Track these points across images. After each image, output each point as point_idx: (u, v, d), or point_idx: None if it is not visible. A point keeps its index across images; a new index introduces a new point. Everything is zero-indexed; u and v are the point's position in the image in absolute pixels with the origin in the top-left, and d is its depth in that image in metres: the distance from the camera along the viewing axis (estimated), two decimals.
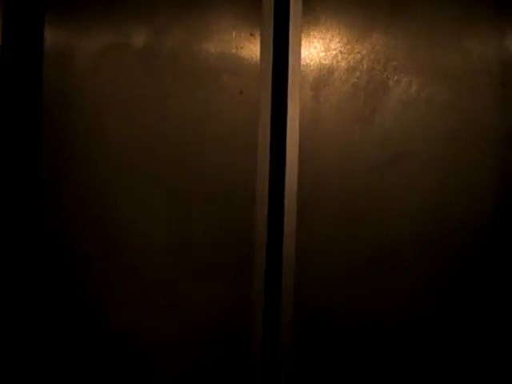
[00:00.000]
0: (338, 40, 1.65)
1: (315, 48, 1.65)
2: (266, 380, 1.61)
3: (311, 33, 1.64)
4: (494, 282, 1.62)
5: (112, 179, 1.67)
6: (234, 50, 1.64)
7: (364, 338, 1.63)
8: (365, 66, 1.65)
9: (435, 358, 1.62)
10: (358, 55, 1.65)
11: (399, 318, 1.63)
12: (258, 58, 1.63)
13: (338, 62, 1.65)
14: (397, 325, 1.63)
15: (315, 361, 1.63)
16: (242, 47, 1.64)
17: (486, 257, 1.63)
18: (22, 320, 1.64)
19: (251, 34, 1.64)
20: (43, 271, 1.66)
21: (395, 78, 1.65)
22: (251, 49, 1.64)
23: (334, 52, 1.65)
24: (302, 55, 1.63)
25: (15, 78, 1.62)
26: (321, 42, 1.65)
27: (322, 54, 1.65)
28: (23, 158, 1.66)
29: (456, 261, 1.63)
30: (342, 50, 1.65)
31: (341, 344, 1.63)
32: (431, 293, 1.63)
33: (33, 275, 1.65)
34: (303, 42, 1.63)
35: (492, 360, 1.62)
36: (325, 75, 1.65)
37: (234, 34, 1.64)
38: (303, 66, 1.63)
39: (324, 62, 1.65)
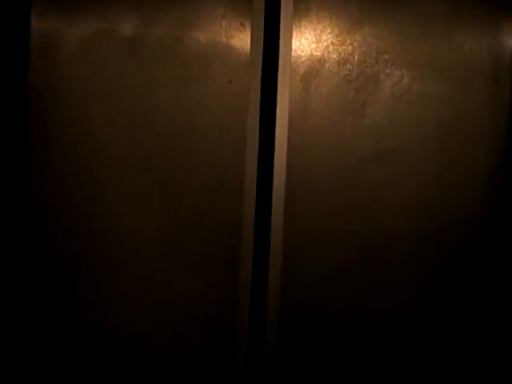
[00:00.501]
0: (329, 31, 1.63)
1: (306, 39, 1.63)
2: (252, 375, 1.58)
3: (302, 23, 1.63)
4: (487, 275, 1.61)
5: (100, 171, 1.63)
6: (223, 40, 1.62)
7: (355, 333, 1.61)
8: (356, 58, 1.64)
9: (429, 352, 1.61)
10: (350, 47, 1.64)
11: (392, 313, 1.61)
12: (248, 48, 1.60)
13: (329, 53, 1.63)
14: (389, 319, 1.61)
15: (303, 356, 1.61)
16: (232, 37, 1.62)
17: (480, 250, 1.62)
18: (8, 318, 1.61)
19: (241, 24, 1.61)
20: (30, 267, 1.62)
21: (386, 70, 1.64)
22: (241, 39, 1.61)
23: (326, 43, 1.63)
24: (293, 46, 1.61)
25: (0, 66, 1.59)
26: (312, 33, 1.63)
27: (313, 46, 1.63)
28: (8, 149, 1.62)
29: (449, 254, 1.61)
30: (334, 41, 1.63)
31: (331, 339, 1.61)
32: (424, 287, 1.61)
33: (19, 271, 1.61)
34: (294, 33, 1.61)
35: (486, 354, 1.60)
36: (316, 67, 1.63)
37: (224, 23, 1.62)
38: (294, 57, 1.61)
39: (315, 54, 1.63)
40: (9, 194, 1.62)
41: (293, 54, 1.61)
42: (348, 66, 1.63)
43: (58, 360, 1.62)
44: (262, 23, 1.60)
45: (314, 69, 1.63)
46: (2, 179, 1.61)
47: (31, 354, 1.61)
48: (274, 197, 1.59)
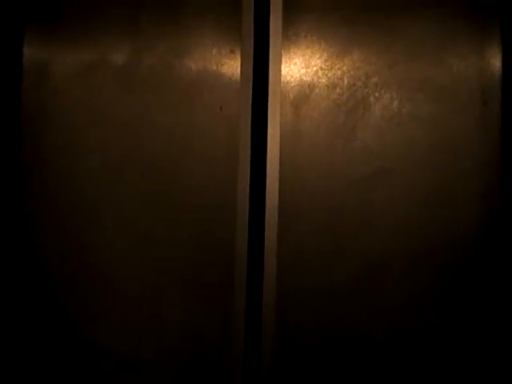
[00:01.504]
0: (318, 56, 1.65)
1: (295, 64, 1.65)
2: None
3: (291, 49, 1.65)
4: (480, 294, 1.61)
5: (93, 192, 1.67)
6: (214, 67, 1.64)
7: (349, 353, 1.61)
8: (345, 82, 1.65)
9: (423, 371, 1.61)
10: (339, 71, 1.65)
11: (385, 332, 1.61)
12: (239, 74, 1.63)
13: (318, 78, 1.65)
14: (383, 338, 1.61)
15: (299, 375, 1.61)
16: (222, 64, 1.64)
17: (472, 270, 1.62)
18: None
19: (231, 51, 1.64)
20: (23, 285, 1.64)
21: (376, 94, 1.65)
22: (231, 65, 1.64)
23: (315, 68, 1.65)
24: (283, 72, 1.63)
25: None
26: (301, 58, 1.65)
27: (303, 71, 1.65)
28: (2, 174, 1.65)
29: (442, 274, 1.61)
30: (323, 66, 1.65)
31: (326, 357, 1.61)
32: (417, 306, 1.61)
33: (12, 290, 1.63)
34: (283, 59, 1.63)
35: (481, 372, 1.60)
36: (305, 91, 1.65)
37: (214, 51, 1.64)
38: (283, 82, 1.63)
39: (304, 79, 1.65)
40: (2, 216, 1.64)
41: (282, 79, 1.63)
42: (337, 90, 1.65)
43: (49, 377, 1.63)
44: (251, 50, 1.62)
45: (304, 93, 1.65)
46: None
47: (23, 369, 1.63)
48: (266, 218, 1.61)
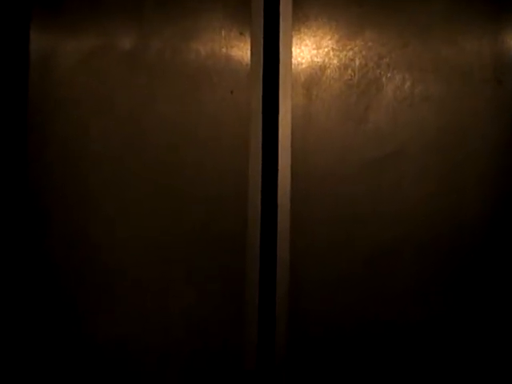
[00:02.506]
0: (329, 37, 1.62)
1: (306, 46, 1.62)
2: None
3: (302, 30, 1.62)
4: (491, 281, 1.61)
5: (101, 182, 1.64)
6: (223, 50, 1.61)
7: (361, 341, 1.61)
8: (357, 63, 1.62)
9: (432, 359, 1.61)
10: (350, 52, 1.62)
11: (396, 319, 1.61)
12: (249, 57, 1.60)
13: (329, 59, 1.62)
14: (394, 326, 1.61)
15: (311, 365, 1.61)
16: (231, 47, 1.61)
17: (484, 255, 1.61)
18: (6, 326, 1.62)
19: (241, 34, 1.60)
20: (30, 277, 1.63)
21: (388, 74, 1.63)
22: (241, 48, 1.61)
23: (326, 49, 1.62)
24: (293, 53, 1.60)
25: (1, 80, 1.59)
26: (312, 39, 1.62)
27: (314, 52, 1.62)
28: (9, 161, 1.63)
29: (453, 260, 1.61)
30: (334, 47, 1.62)
31: (339, 347, 1.61)
32: (425, 294, 1.61)
33: (19, 282, 1.63)
34: (294, 40, 1.60)
35: (489, 359, 1.61)
36: (317, 73, 1.62)
37: (223, 33, 1.61)
38: (294, 64, 1.61)
39: (316, 60, 1.62)
40: (9, 207, 1.63)
41: (293, 61, 1.60)
42: (349, 71, 1.62)
43: (56, 369, 1.63)
44: (261, 32, 1.59)
45: (315, 75, 1.62)
46: (3, 191, 1.62)
47: (28, 361, 1.63)
48: (279, 205, 1.59)
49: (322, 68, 1.62)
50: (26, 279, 1.62)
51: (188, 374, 1.62)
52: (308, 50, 1.62)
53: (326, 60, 1.62)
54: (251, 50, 1.59)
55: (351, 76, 1.63)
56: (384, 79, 1.63)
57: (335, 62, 1.62)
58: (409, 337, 1.61)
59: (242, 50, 1.61)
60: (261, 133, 1.59)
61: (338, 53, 1.62)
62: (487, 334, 1.60)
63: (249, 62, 1.60)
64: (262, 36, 1.59)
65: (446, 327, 1.61)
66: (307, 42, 1.62)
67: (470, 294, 1.61)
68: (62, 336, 1.62)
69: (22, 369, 1.62)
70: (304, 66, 1.62)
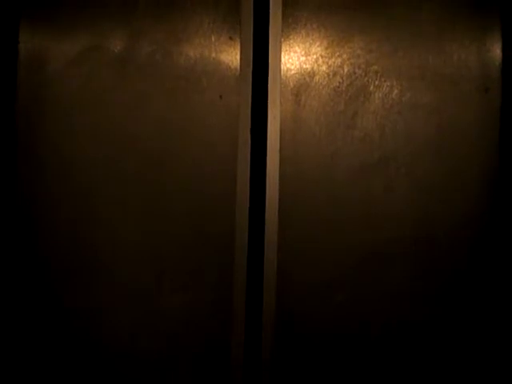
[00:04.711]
0: (318, 44, 1.64)
1: (295, 52, 1.63)
2: None
3: (291, 37, 1.63)
4: (485, 282, 1.61)
5: (90, 182, 1.63)
6: (213, 54, 1.62)
7: (350, 342, 1.60)
8: (345, 70, 1.64)
9: (427, 362, 1.60)
10: (339, 59, 1.64)
11: (387, 322, 1.60)
12: (238, 62, 1.60)
13: (318, 66, 1.63)
14: (386, 329, 1.60)
15: (300, 369, 1.59)
16: (221, 51, 1.62)
17: (474, 257, 1.61)
18: None
19: (230, 38, 1.62)
20: (18, 272, 1.61)
21: (376, 82, 1.64)
22: (231, 53, 1.61)
23: (315, 56, 1.64)
24: (282, 60, 1.61)
25: None
26: (301, 45, 1.63)
27: (303, 59, 1.63)
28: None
29: (445, 263, 1.61)
30: (323, 53, 1.64)
31: (328, 350, 1.60)
32: (421, 296, 1.60)
33: (6, 278, 1.61)
34: (283, 46, 1.62)
35: (486, 360, 1.60)
36: (305, 79, 1.63)
37: (213, 38, 1.62)
38: (283, 70, 1.62)
39: (304, 66, 1.63)
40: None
41: (282, 67, 1.61)
42: (338, 78, 1.64)
43: (55, 369, 1.60)
44: (250, 37, 1.60)
45: (304, 81, 1.63)
46: None
47: (16, 358, 1.60)
48: (267, 208, 1.59)
49: (311, 74, 1.63)
50: (17, 279, 1.61)
51: (175, 371, 1.59)
52: (297, 57, 1.63)
53: (315, 67, 1.64)
54: (241, 55, 1.60)
55: (339, 83, 1.64)
56: (372, 87, 1.64)
57: (324, 68, 1.64)
58: (401, 339, 1.60)
59: (231, 55, 1.61)
60: (249, 137, 1.59)
61: (326, 59, 1.64)
62: (481, 335, 1.60)
63: (238, 67, 1.60)
64: (251, 41, 1.60)
65: (437, 329, 1.60)
66: (296, 48, 1.63)
67: (463, 295, 1.61)
68: (51, 334, 1.61)
69: (16, 365, 1.59)
70: (293, 72, 1.63)
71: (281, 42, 1.61)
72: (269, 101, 1.60)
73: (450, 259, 1.61)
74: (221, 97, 1.61)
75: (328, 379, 1.60)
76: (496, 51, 1.64)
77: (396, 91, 1.64)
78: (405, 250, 1.61)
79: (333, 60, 1.64)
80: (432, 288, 1.60)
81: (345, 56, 1.64)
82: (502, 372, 1.59)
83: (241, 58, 1.60)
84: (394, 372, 1.60)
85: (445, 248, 1.61)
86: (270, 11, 1.60)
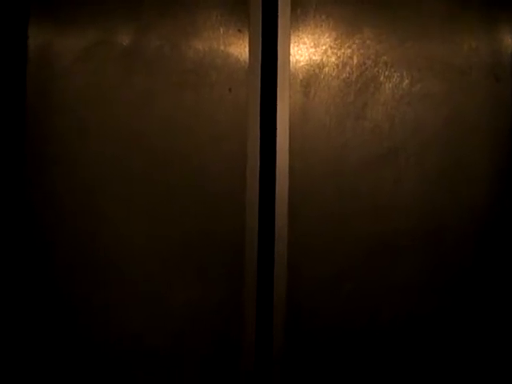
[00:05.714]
0: (327, 35, 1.62)
1: (304, 44, 1.62)
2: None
3: (300, 28, 1.62)
4: (493, 275, 1.61)
5: (99, 180, 1.63)
6: (221, 47, 1.61)
7: (361, 337, 1.61)
8: (355, 61, 1.63)
9: (436, 355, 1.61)
10: (348, 50, 1.63)
11: (398, 315, 1.61)
12: (247, 54, 1.60)
13: (327, 57, 1.62)
14: (396, 322, 1.61)
15: (311, 363, 1.61)
16: (230, 44, 1.61)
17: (483, 249, 1.61)
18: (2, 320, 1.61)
19: (239, 31, 1.61)
20: (26, 270, 1.62)
21: (386, 72, 1.63)
22: (239, 45, 1.61)
23: (324, 47, 1.62)
24: (291, 51, 1.60)
25: None
26: (310, 37, 1.62)
27: (312, 50, 1.62)
28: (7, 158, 1.62)
29: (454, 255, 1.61)
30: (332, 45, 1.62)
31: (338, 344, 1.61)
32: (430, 289, 1.61)
33: (13, 276, 1.62)
34: (292, 38, 1.60)
35: (492, 354, 1.61)
36: (315, 71, 1.62)
37: (221, 30, 1.61)
38: (292, 62, 1.61)
39: (314, 58, 1.62)
40: (6, 203, 1.62)
41: (291, 58, 1.60)
42: (347, 69, 1.63)
43: (55, 369, 1.61)
44: (259, 29, 1.59)
45: (313, 73, 1.62)
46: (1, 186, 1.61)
47: (22, 356, 1.61)
48: (277, 202, 1.59)
49: (320, 66, 1.62)
50: (24, 278, 1.62)
51: (185, 371, 1.61)
52: (306, 48, 1.62)
53: (324, 58, 1.62)
54: (249, 48, 1.59)
55: (349, 74, 1.63)
56: (382, 77, 1.63)
57: (333, 59, 1.63)
58: (410, 332, 1.60)
59: (240, 48, 1.61)
60: (259, 130, 1.59)
61: (335, 51, 1.63)
62: (490, 327, 1.60)
63: (247, 60, 1.60)
64: (260, 33, 1.59)
65: (446, 321, 1.60)
66: (305, 39, 1.62)
67: (472, 287, 1.61)
68: (58, 332, 1.61)
69: (21, 363, 1.61)
70: (302, 63, 1.62)
71: (289, 34, 1.60)
72: (278, 93, 1.59)
73: (458, 251, 1.61)
74: (230, 90, 1.61)
75: (337, 372, 1.61)
76: (508, 40, 1.62)
77: (406, 81, 1.63)
78: (414, 241, 1.61)
79: (342, 51, 1.63)
80: (441, 280, 1.61)
81: (354, 47, 1.63)
82: (510, 364, 1.60)
83: (249, 51, 1.59)
84: (403, 364, 1.61)
85: (454, 240, 1.61)
86: (279, 2, 1.59)
